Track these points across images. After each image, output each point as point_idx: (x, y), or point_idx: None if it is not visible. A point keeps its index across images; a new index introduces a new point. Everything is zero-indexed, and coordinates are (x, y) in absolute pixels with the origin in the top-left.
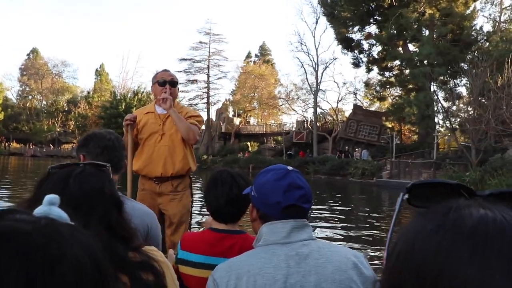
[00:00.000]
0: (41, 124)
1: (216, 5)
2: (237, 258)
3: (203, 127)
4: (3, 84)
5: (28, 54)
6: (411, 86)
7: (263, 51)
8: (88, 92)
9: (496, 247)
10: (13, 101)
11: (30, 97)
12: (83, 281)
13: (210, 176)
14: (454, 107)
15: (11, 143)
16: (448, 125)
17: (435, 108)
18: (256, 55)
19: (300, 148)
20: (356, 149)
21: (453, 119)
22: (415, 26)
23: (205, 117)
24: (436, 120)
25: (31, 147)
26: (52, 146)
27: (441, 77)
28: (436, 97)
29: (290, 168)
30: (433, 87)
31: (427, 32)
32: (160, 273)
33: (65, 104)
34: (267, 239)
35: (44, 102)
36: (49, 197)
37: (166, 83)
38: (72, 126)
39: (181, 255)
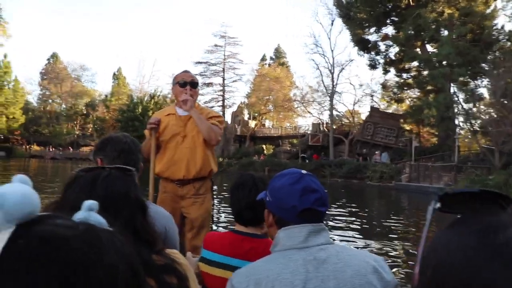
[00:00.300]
0: (61, 127)
1: (232, 8)
2: (255, 264)
3: None
4: (24, 88)
5: (48, 59)
6: (429, 88)
7: (278, 54)
8: (106, 96)
9: None
10: (34, 105)
11: (50, 100)
12: (119, 286)
13: (235, 179)
14: (475, 109)
15: (32, 146)
16: (469, 127)
17: (455, 110)
18: (271, 58)
19: (316, 151)
20: (376, 152)
21: (474, 121)
22: (433, 26)
23: None
24: (456, 122)
25: (50, 149)
26: (71, 149)
27: (461, 78)
28: (456, 98)
29: (304, 171)
30: (453, 89)
31: (445, 33)
32: (184, 276)
33: (83, 108)
34: (284, 244)
35: (64, 106)
36: (88, 202)
37: (186, 84)
38: (90, 129)
39: (203, 254)
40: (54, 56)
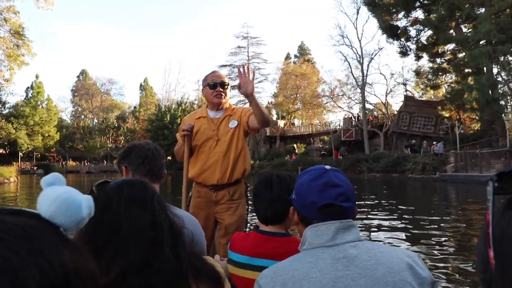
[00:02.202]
0: (94, 141)
1: (252, 9)
2: (282, 263)
3: None
4: (57, 106)
5: (78, 76)
6: (468, 70)
7: (302, 51)
8: (135, 107)
9: None
10: (67, 122)
11: (82, 116)
12: None
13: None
14: None
15: (68, 162)
16: None
17: (500, 91)
18: (295, 56)
19: (350, 146)
20: (434, 142)
21: None
22: (467, 5)
23: None
24: (503, 103)
25: (85, 164)
26: (105, 162)
27: (504, 57)
28: (501, 78)
29: (328, 167)
30: (495, 69)
31: (482, 10)
32: (222, 283)
33: (114, 121)
34: (312, 242)
35: (96, 120)
36: (48, 178)
37: (217, 85)
38: (122, 141)
39: (229, 255)
40: (83, 72)
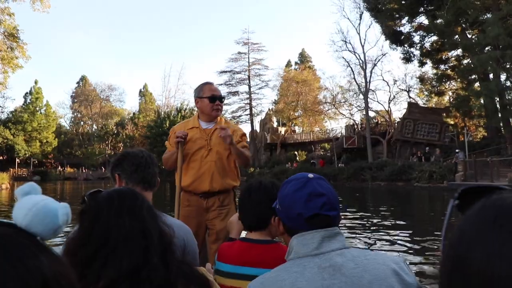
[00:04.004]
0: (93, 148)
1: (253, 15)
2: (268, 274)
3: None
4: (56, 112)
5: (77, 82)
6: (473, 77)
7: (303, 58)
8: (134, 114)
9: None
10: (66, 128)
11: (81, 122)
12: None
13: None
14: None
15: (66, 168)
16: None
17: (508, 97)
18: (296, 63)
19: (352, 154)
20: (457, 150)
21: None
22: (474, 10)
23: (249, 129)
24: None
25: (83, 171)
26: (103, 169)
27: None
28: (510, 84)
29: (311, 175)
30: (503, 75)
31: (488, 15)
32: None
33: (114, 127)
34: (298, 251)
35: (95, 127)
36: (23, 188)
37: (216, 99)
38: (121, 148)
39: (216, 265)
40: (83, 79)
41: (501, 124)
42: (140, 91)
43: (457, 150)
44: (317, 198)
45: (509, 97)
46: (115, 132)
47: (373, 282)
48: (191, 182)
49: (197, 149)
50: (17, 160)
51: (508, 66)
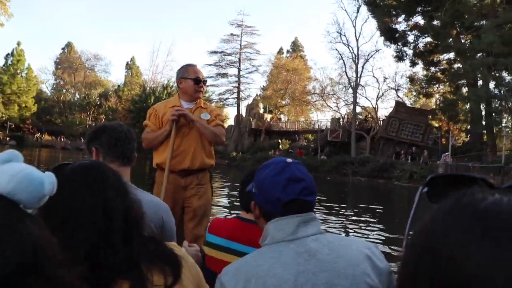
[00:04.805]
0: (74, 117)
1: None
2: (244, 259)
3: (231, 123)
4: (38, 77)
5: (63, 48)
6: (462, 82)
7: (296, 47)
8: (119, 86)
9: (508, 228)
10: (47, 94)
11: (64, 90)
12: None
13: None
14: None
15: (44, 135)
16: None
17: (497, 105)
18: (288, 51)
19: (335, 147)
20: (446, 154)
21: None
22: (471, 14)
23: (235, 113)
24: (498, 119)
25: (62, 139)
26: (82, 139)
27: (505, 71)
28: (500, 92)
29: (289, 160)
30: (492, 83)
31: (484, 22)
32: (178, 263)
33: (97, 98)
34: (274, 236)
35: (77, 96)
36: (3, 155)
37: (200, 81)
38: (103, 119)
39: (208, 238)
40: (68, 45)
41: (484, 131)
42: (127, 63)
43: (446, 153)
44: (296, 183)
45: (496, 105)
46: (98, 103)
47: (347, 267)
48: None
49: (179, 127)
50: None
51: (497, 74)
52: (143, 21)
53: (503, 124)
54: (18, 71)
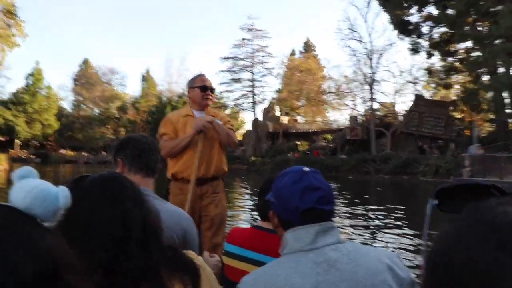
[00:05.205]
0: (94, 131)
1: (257, 2)
2: (263, 269)
3: (248, 128)
4: (57, 94)
5: (80, 65)
6: (482, 70)
7: (308, 48)
8: (136, 98)
9: None
10: (68, 111)
11: (83, 106)
12: (9, 284)
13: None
14: None
15: (66, 151)
16: None
17: None
18: (300, 52)
19: (354, 145)
20: (478, 145)
21: None
22: (486, 1)
23: (251, 117)
24: None
25: (84, 154)
26: (104, 153)
27: None
28: None
29: (306, 169)
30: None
31: (500, 7)
32: (197, 274)
33: (115, 111)
34: (292, 246)
35: (96, 110)
36: (20, 171)
37: (207, 89)
38: (122, 132)
39: (226, 247)
40: (85, 62)
41: (510, 120)
42: (143, 75)
43: (478, 145)
44: (313, 191)
45: None
46: (117, 116)
47: (367, 277)
48: (185, 169)
49: (205, 138)
50: (17, 141)
51: None
52: (155, 32)
53: None
54: (38, 90)
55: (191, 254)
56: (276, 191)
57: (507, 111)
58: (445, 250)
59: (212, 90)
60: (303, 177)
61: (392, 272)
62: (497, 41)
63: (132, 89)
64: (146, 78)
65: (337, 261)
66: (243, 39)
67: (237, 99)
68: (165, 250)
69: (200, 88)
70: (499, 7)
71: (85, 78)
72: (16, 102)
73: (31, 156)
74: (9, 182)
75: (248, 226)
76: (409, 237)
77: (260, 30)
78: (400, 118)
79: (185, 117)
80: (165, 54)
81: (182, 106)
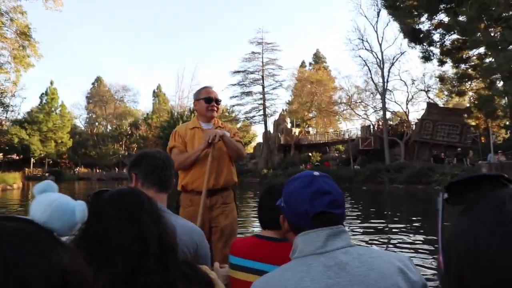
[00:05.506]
0: (107, 148)
1: (266, 16)
2: (273, 273)
3: (259, 141)
4: (71, 113)
5: (93, 83)
6: (497, 76)
7: (317, 59)
8: (148, 114)
9: None
10: (81, 128)
11: (96, 123)
12: None
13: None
14: None
15: (80, 168)
16: None
17: None
18: (310, 64)
19: (367, 155)
20: (500, 152)
21: None
22: (498, 6)
23: (262, 130)
24: None
25: (97, 171)
26: (117, 169)
27: None
28: None
29: (316, 173)
30: None
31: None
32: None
33: (128, 128)
34: (302, 250)
35: (109, 127)
36: (40, 185)
37: (212, 100)
38: (135, 148)
39: (230, 259)
40: (98, 79)
41: None
42: (154, 91)
43: (500, 152)
44: (323, 195)
45: None
46: (129, 132)
47: (378, 280)
48: (194, 180)
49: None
50: (32, 160)
51: None
52: (167, 49)
53: None
54: (53, 109)
55: (205, 268)
56: (286, 195)
57: None
58: (456, 243)
59: (217, 101)
60: (313, 182)
61: (404, 275)
62: (511, 47)
63: (144, 105)
64: (157, 94)
65: (348, 265)
66: (253, 52)
67: (248, 112)
68: (181, 265)
69: (205, 99)
70: None
71: (98, 95)
72: (30, 121)
73: (46, 174)
74: (22, 201)
75: None
76: (422, 240)
77: (270, 43)
78: (413, 127)
79: (192, 129)
80: (176, 70)
81: None
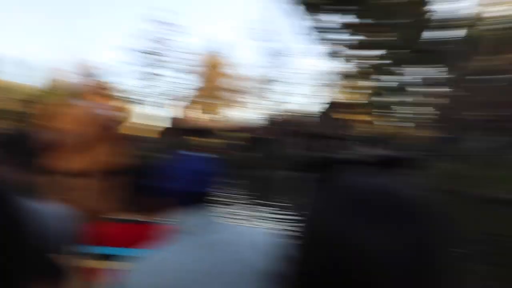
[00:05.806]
0: None
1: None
2: (147, 255)
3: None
4: None
5: None
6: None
7: (223, 45)
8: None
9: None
10: None
11: None
12: None
13: None
14: None
15: None
16: None
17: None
18: (210, 51)
19: (263, 144)
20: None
21: None
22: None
23: (160, 114)
24: None
25: None
26: None
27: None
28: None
29: (192, 153)
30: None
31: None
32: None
33: None
34: (177, 229)
35: None
36: None
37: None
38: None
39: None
40: None
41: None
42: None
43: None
44: (200, 175)
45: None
46: None
47: (250, 255)
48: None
49: None
50: None
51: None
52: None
53: None
54: None
55: (55, 256)
56: (157, 174)
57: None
58: (308, 222)
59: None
60: (190, 161)
61: (265, 248)
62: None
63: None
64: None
65: (220, 243)
66: (157, 33)
67: (142, 94)
68: (31, 255)
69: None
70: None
71: None
72: None
73: None
74: None
75: None
76: None
77: (174, 25)
78: (310, 120)
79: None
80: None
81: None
